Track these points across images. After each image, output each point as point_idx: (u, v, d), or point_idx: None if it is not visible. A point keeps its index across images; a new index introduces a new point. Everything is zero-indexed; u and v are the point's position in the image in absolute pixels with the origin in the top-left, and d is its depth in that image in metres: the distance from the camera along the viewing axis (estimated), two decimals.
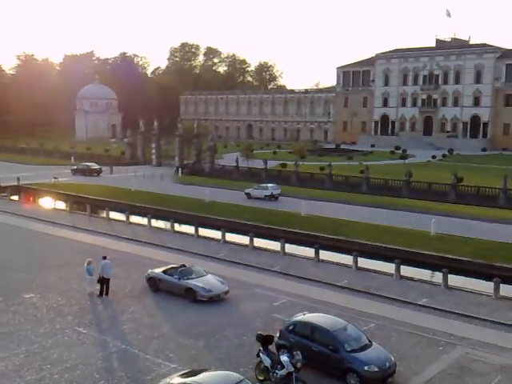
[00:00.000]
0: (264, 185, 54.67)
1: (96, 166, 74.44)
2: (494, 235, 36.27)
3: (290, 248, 33.49)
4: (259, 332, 17.71)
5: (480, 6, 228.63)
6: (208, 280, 24.79)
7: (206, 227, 40.23)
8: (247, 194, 53.54)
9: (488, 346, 19.53)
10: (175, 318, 22.14)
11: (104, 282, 24.90)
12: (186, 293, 24.23)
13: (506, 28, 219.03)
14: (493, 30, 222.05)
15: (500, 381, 16.90)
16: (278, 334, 18.29)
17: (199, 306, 23.55)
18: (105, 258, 25.33)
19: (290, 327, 18.38)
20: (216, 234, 37.04)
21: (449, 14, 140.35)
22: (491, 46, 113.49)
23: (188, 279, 24.52)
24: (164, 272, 25.49)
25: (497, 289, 24.63)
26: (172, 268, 25.62)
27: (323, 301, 24.03)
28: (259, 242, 35.00)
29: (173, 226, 39.13)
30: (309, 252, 32.33)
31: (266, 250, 33.67)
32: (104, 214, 44.46)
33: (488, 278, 26.85)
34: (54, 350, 19.00)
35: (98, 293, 24.86)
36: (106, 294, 24.90)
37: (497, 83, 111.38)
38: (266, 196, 52.39)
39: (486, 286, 25.88)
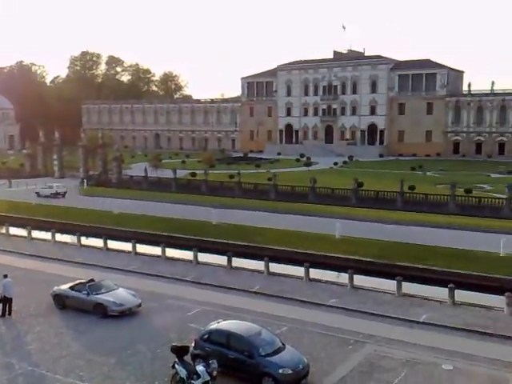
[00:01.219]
0: (50, 184, 64.42)
1: None
2: (394, 236, 38.42)
3: (203, 257, 33.47)
4: (174, 343, 17.54)
5: (373, 20, 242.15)
6: (119, 294, 24.15)
7: (115, 239, 39.16)
8: (37, 193, 61.34)
9: (394, 342, 20.64)
10: (85, 336, 21.34)
11: (6, 301, 23.51)
12: (96, 308, 23.44)
13: (397, 40, 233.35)
14: (385, 42, 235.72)
15: (406, 375, 17.92)
16: (193, 344, 18.22)
17: (110, 321, 22.88)
18: (5, 276, 23.93)
19: (205, 336, 18.37)
20: (126, 246, 36.16)
21: (344, 28, 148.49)
22: (385, 57, 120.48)
23: (97, 294, 23.74)
24: (71, 288, 24.49)
25: (399, 287, 26.14)
26: (80, 284, 24.66)
27: (237, 307, 24.25)
28: (172, 253, 34.66)
29: (79, 240, 37.71)
30: (222, 260, 32.49)
31: (178, 260, 33.42)
32: (3, 230, 41.94)
33: (391, 276, 28.36)
34: None
35: (0, 313, 23.42)
36: (9, 313, 23.52)
37: (391, 93, 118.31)
38: (51, 194, 60.99)
39: (389, 285, 27.35)
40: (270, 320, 22.62)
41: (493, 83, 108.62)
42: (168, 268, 31.21)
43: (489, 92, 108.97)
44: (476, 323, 22.20)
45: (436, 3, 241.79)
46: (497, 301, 24.97)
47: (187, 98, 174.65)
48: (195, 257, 32.43)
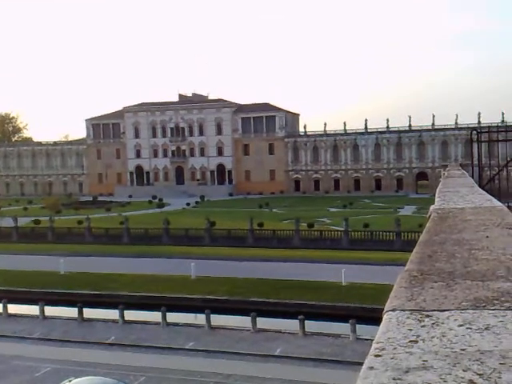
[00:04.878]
0: None
1: None
2: (247, 272, 39.62)
3: (52, 310, 31.48)
4: None
5: (216, 65, 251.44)
6: None
7: None
8: None
9: (252, 378, 21.21)
10: None
11: None
12: None
13: (238, 85, 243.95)
14: (227, 86, 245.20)
15: None
16: None
17: None
18: None
19: None
20: None
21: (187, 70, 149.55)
22: (227, 101, 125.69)
23: None
24: None
25: (254, 322, 27.01)
26: None
27: (91, 362, 23.13)
28: (15, 308, 32.06)
29: None
30: (72, 312, 30.81)
31: (23, 315, 31.00)
32: None
33: (246, 312, 29.17)
34: None
35: None
36: None
37: (235, 134, 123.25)
38: None
39: (246, 321, 28.10)
40: (127, 372, 21.95)
41: (325, 125, 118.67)
42: (11, 326, 28.77)
43: (322, 133, 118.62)
44: (326, 352, 23.71)
45: (268, 52, 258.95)
46: (343, 328, 26.89)
47: (27, 141, 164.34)
48: (42, 311, 30.43)
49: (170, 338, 26.07)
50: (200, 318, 29.83)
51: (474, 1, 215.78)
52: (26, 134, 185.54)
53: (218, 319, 28.77)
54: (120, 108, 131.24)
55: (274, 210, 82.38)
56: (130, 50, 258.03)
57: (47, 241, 58.29)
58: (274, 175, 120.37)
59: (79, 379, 18.37)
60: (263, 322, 27.92)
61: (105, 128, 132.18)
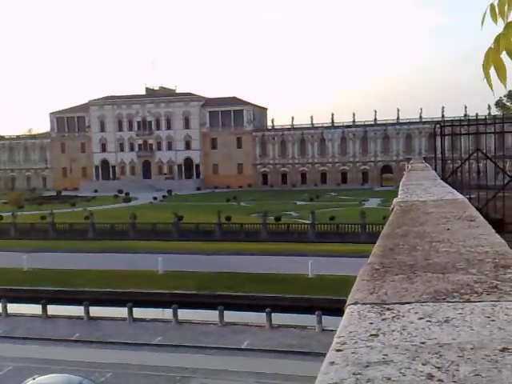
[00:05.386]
0: None
1: None
2: (215, 266, 39.60)
3: (14, 307, 30.85)
4: None
5: (182, 59, 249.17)
6: None
7: None
8: None
9: (219, 372, 21.21)
10: None
11: None
12: None
13: (205, 79, 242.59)
14: (195, 80, 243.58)
15: None
16: None
17: None
18: None
19: None
20: None
21: (153, 63, 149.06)
22: (195, 94, 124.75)
23: None
24: None
25: (221, 316, 27.01)
26: None
27: (56, 359, 22.76)
28: None
29: None
30: (36, 309, 30.21)
31: None
32: None
33: (214, 306, 29.15)
34: None
35: None
36: None
37: (203, 128, 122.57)
38: None
39: (213, 315, 28.07)
40: (93, 368, 21.69)
41: (293, 119, 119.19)
42: None
43: (290, 127, 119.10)
44: (293, 344, 23.90)
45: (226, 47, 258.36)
46: (309, 320, 27.16)
47: None
48: (4, 308, 29.88)
49: (137, 334, 25.85)
50: (167, 313, 29.66)
51: None
52: None
53: (185, 314, 28.65)
54: (85, 101, 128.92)
55: (242, 204, 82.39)
56: (95, 42, 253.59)
57: (10, 237, 57.04)
58: (241, 169, 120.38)
59: (44, 377, 18.06)
60: (230, 316, 27.94)
61: (69, 121, 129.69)
